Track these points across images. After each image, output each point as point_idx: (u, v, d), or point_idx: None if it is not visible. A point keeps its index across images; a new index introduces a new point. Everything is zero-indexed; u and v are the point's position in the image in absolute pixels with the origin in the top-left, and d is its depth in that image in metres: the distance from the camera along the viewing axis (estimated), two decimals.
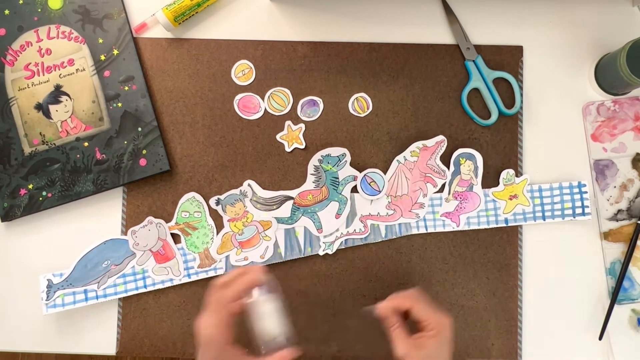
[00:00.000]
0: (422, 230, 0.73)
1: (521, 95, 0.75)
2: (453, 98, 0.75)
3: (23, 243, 0.74)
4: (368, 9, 0.76)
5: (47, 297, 0.71)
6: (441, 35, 0.76)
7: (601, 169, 0.74)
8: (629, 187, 0.74)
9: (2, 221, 0.73)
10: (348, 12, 0.76)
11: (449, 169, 0.73)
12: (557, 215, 0.73)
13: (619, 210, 0.74)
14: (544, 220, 0.73)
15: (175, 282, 0.73)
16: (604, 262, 0.74)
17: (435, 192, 0.74)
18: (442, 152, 0.73)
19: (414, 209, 0.73)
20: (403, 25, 0.76)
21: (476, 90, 0.75)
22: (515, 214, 0.73)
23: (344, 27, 0.76)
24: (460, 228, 0.73)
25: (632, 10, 0.76)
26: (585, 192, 0.73)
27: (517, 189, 0.73)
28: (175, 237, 0.73)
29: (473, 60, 0.75)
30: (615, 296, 0.72)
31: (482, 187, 0.74)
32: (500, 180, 0.73)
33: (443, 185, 0.74)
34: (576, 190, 0.73)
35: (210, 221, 0.73)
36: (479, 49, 0.75)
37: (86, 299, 0.72)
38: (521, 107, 0.75)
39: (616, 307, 0.72)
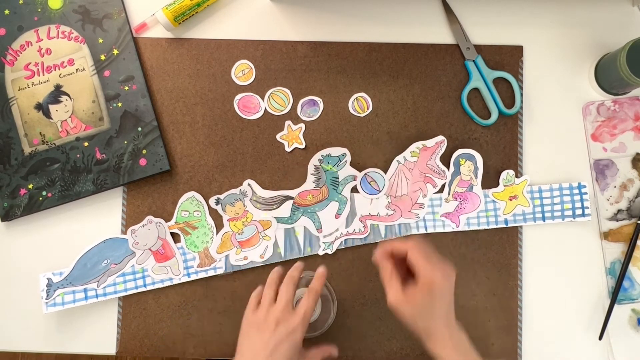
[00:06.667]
0: (422, 231, 0.73)
1: (521, 95, 0.75)
2: (453, 98, 0.75)
3: (23, 243, 0.74)
4: (368, 9, 0.76)
5: (47, 295, 0.71)
6: (441, 35, 0.76)
7: (601, 169, 0.74)
8: (629, 187, 0.74)
9: (2, 221, 0.73)
10: (348, 12, 0.76)
11: (448, 169, 0.73)
12: (557, 216, 0.73)
13: (619, 210, 0.74)
14: (544, 221, 0.73)
15: (175, 282, 0.73)
16: (604, 262, 0.74)
17: (435, 193, 0.74)
18: (442, 152, 0.73)
19: (413, 209, 0.73)
20: (403, 25, 0.76)
21: (476, 90, 0.75)
22: (515, 215, 0.73)
23: (344, 27, 0.76)
24: (460, 229, 0.73)
25: (632, 10, 0.76)
26: (585, 193, 0.73)
27: (517, 189, 0.73)
28: (175, 237, 0.73)
29: (473, 60, 0.75)
30: (615, 296, 0.72)
31: (482, 188, 0.73)
32: (500, 181, 0.73)
33: (443, 186, 0.74)
34: (576, 191, 0.73)
35: (210, 220, 0.73)
36: (479, 49, 0.75)
37: (86, 298, 0.72)
38: (521, 107, 0.75)
39: (616, 307, 0.72)
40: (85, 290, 0.72)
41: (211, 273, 0.73)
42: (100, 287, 0.72)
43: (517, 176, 0.73)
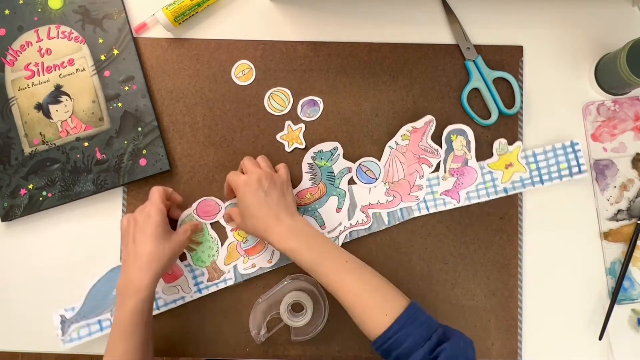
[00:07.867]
0: (424, 212, 0.73)
1: (521, 95, 0.75)
2: (453, 98, 0.75)
3: (23, 243, 0.74)
4: (368, 9, 0.76)
5: (63, 332, 0.71)
6: (441, 35, 0.76)
7: (601, 169, 0.74)
8: (629, 187, 0.74)
9: (2, 221, 0.73)
10: (348, 12, 0.76)
11: (441, 147, 0.73)
12: (554, 177, 0.73)
13: (619, 210, 0.74)
14: (543, 184, 0.73)
15: (187, 299, 0.72)
16: (604, 262, 0.74)
17: (431, 172, 0.73)
18: (432, 131, 0.73)
19: (412, 192, 0.73)
20: (403, 25, 0.76)
21: (476, 90, 0.75)
22: (513, 182, 0.73)
23: (344, 27, 0.76)
24: (461, 204, 0.73)
25: (632, 10, 0.76)
26: (579, 150, 0.73)
27: (511, 157, 0.73)
28: (181, 255, 0.73)
29: (473, 60, 0.75)
30: (615, 296, 0.72)
31: (477, 160, 0.73)
32: (494, 150, 0.73)
33: (438, 165, 0.73)
34: (569, 149, 0.73)
35: (213, 233, 0.73)
36: (479, 49, 0.75)
37: (101, 329, 0.71)
38: (521, 107, 0.75)
39: (616, 307, 0.72)
40: (99, 322, 0.71)
41: (222, 285, 0.72)
42: (114, 316, 0.71)
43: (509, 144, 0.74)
